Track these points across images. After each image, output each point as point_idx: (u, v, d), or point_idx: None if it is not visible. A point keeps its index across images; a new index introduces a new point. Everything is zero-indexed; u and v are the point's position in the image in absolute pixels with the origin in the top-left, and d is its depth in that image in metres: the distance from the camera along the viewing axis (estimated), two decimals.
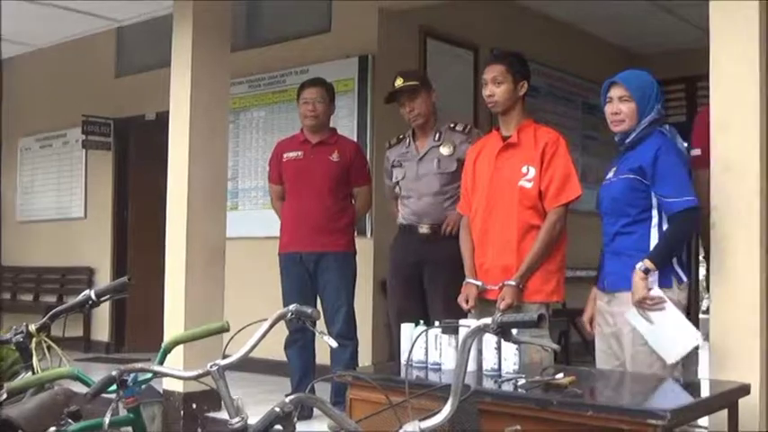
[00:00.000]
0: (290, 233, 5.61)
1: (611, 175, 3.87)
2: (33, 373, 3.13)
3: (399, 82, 4.99)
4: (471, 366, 3.35)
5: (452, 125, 5.01)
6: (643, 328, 3.62)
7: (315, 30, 7.55)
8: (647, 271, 3.58)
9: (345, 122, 7.06)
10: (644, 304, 3.59)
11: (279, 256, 5.66)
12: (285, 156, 5.68)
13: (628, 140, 3.78)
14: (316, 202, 5.51)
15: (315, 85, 5.66)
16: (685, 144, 3.94)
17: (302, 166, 5.58)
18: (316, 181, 5.52)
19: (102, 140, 9.45)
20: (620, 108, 3.76)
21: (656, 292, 3.59)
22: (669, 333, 3.59)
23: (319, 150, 5.59)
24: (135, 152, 9.53)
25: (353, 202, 5.70)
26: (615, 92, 3.79)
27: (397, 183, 5.10)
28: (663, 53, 8.96)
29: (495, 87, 4.27)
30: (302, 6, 7.84)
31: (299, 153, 5.63)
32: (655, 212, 3.67)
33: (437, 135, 5.00)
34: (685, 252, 3.79)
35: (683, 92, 9.43)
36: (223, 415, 2.53)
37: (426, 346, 3.56)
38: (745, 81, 3.66)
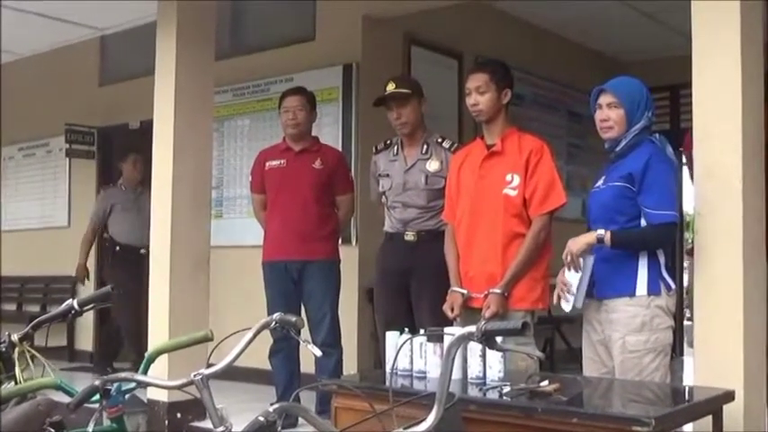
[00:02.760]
0: (274, 241, 5.60)
1: (600, 182, 3.87)
2: (16, 383, 3.10)
3: (391, 87, 4.96)
4: (456, 374, 3.35)
5: (440, 140, 4.98)
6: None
7: (299, 38, 7.55)
8: (600, 240, 3.64)
9: (330, 130, 7.06)
10: (571, 254, 3.70)
11: (263, 264, 5.64)
12: (268, 164, 5.67)
13: (618, 148, 3.78)
14: (300, 209, 5.51)
15: (295, 93, 5.67)
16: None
17: (285, 174, 5.58)
18: (299, 189, 5.52)
19: (86, 149, 9.41)
20: (608, 115, 3.76)
21: (588, 260, 3.71)
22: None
23: (302, 158, 5.59)
24: (119, 161, 9.47)
25: (336, 210, 5.69)
26: (604, 99, 3.80)
27: (384, 193, 5.09)
28: (647, 61, 8.99)
29: (479, 96, 4.28)
30: (286, 15, 7.84)
31: (282, 161, 5.62)
32: (643, 221, 3.67)
33: (425, 147, 4.96)
34: (671, 259, 3.80)
35: (666, 100, 9.47)
36: (208, 424, 2.52)
37: (411, 355, 3.56)
38: (728, 88, 3.68)
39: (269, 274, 5.60)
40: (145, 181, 7.54)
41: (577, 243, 3.71)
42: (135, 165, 8.09)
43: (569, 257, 3.72)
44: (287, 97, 5.66)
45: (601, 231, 3.65)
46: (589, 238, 3.69)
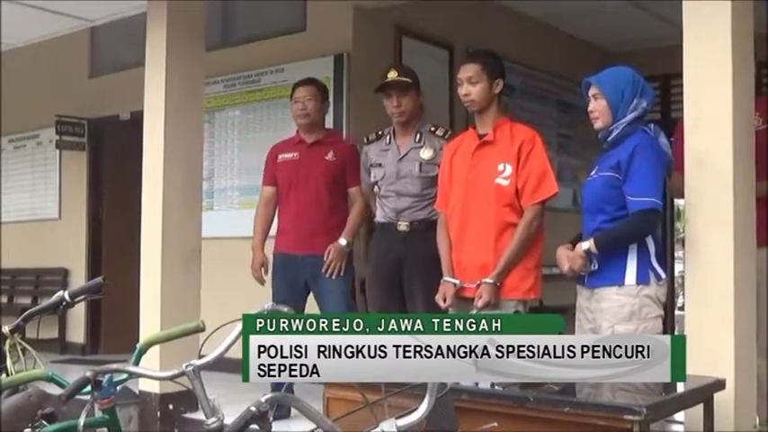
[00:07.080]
0: (287, 234, 5.54)
1: (593, 172, 3.89)
2: (7, 375, 3.10)
3: (393, 74, 4.92)
4: None
5: (433, 128, 4.96)
6: None
7: (290, 29, 7.52)
8: (588, 252, 3.67)
9: None
10: (570, 273, 3.78)
11: (274, 256, 5.58)
12: (280, 157, 5.60)
13: (610, 138, 3.78)
14: (314, 202, 5.45)
15: (306, 83, 5.61)
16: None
17: (298, 166, 5.51)
18: (312, 181, 5.45)
19: (76, 141, 9.39)
20: (594, 106, 3.78)
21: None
22: None
23: (315, 150, 5.52)
24: (109, 152, 9.46)
25: (349, 204, 5.59)
26: (591, 90, 3.82)
27: (376, 182, 5.07)
28: (638, 51, 8.98)
29: (471, 86, 4.28)
30: (277, 5, 7.81)
31: (295, 154, 5.55)
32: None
33: (418, 136, 4.94)
34: (661, 248, 3.81)
35: (657, 89, 9.46)
36: (200, 415, 2.52)
37: None
38: (718, 78, 3.68)
39: (279, 265, 5.53)
40: None
41: (575, 262, 3.74)
42: None
43: (571, 274, 3.77)
44: (297, 87, 5.58)
45: (585, 244, 3.69)
46: (578, 254, 3.73)
